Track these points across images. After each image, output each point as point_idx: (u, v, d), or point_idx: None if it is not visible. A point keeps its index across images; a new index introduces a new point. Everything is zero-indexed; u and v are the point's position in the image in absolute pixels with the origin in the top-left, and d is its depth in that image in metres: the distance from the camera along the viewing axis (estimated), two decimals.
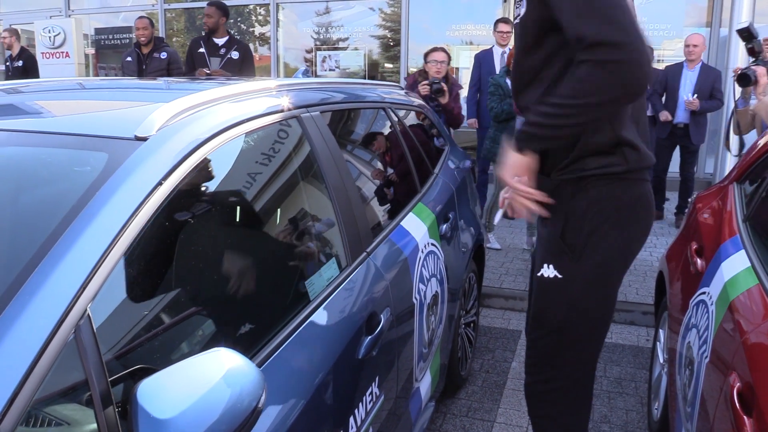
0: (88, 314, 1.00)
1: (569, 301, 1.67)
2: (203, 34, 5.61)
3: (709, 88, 5.48)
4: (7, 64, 7.80)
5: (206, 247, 1.34)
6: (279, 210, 1.63)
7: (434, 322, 2.31)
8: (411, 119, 2.97)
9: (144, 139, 1.29)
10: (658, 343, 2.87)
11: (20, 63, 7.75)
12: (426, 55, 4.53)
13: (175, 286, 1.25)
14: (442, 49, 4.56)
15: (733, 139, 3.89)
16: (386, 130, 2.50)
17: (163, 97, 1.65)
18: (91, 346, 0.98)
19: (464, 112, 4.77)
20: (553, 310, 1.69)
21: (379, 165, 2.36)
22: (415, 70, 8.57)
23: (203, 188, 1.38)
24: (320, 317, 1.50)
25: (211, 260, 1.35)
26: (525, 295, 4.12)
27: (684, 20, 7.75)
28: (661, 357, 2.77)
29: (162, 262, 1.23)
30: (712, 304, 1.83)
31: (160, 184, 1.22)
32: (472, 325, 3.24)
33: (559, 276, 1.65)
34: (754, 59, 3.22)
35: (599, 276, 1.65)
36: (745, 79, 3.13)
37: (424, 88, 4.27)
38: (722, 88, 5.53)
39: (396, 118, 2.58)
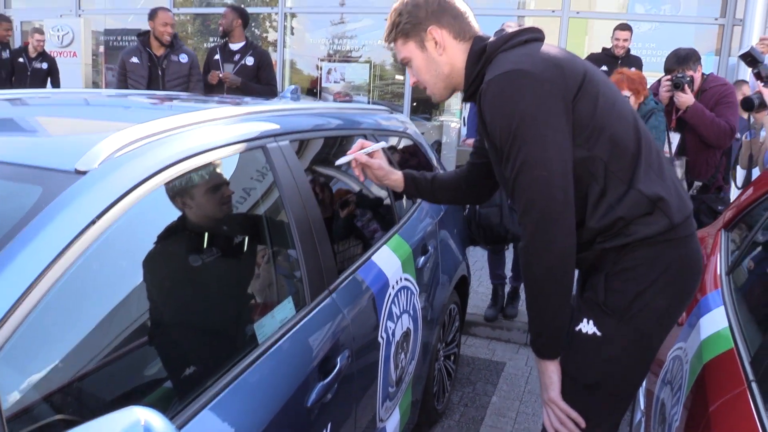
0: None
1: (606, 360, 1.57)
2: (220, 39, 5.22)
3: None
4: (20, 60, 7.20)
5: (142, 291, 1.27)
6: (231, 249, 1.56)
7: (405, 360, 2.23)
8: (398, 145, 2.91)
9: (84, 173, 1.22)
10: (640, 388, 2.78)
11: (45, 65, 7.33)
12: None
13: (102, 333, 1.17)
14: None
15: (740, 172, 3.79)
16: None
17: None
18: None
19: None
20: (587, 366, 1.59)
21: (353, 196, 2.29)
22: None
23: (144, 227, 1.31)
24: (266, 363, 1.42)
25: (145, 304, 1.28)
26: (512, 325, 4.04)
27: (693, 47, 7.65)
28: (642, 402, 2.68)
29: (89, 308, 1.17)
30: (687, 362, 1.75)
31: (92, 223, 1.16)
32: (452, 357, 3.16)
33: (599, 334, 1.56)
34: (763, 83, 3.11)
35: (641, 339, 1.58)
36: (747, 103, 3.02)
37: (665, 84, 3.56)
38: None
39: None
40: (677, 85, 3.47)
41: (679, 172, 3.35)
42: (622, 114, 1.55)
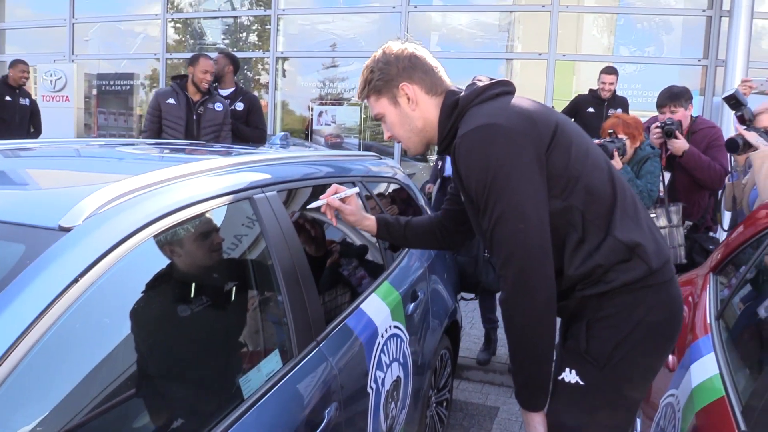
0: None
1: (590, 409, 1.55)
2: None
3: None
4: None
5: (125, 347, 1.26)
6: (217, 302, 1.55)
7: (395, 409, 2.20)
8: (386, 191, 2.93)
9: (68, 230, 1.22)
10: None
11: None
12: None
13: (85, 391, 1.15)
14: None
15: (725, 214, 3.81)
16: None
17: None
18: None
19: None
20: (570, 416, 1.57)
21: (342, 245, 2.29)
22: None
23: (129, 282, 1.30)
24: (251, 419, 1.40)
25: (129, 360, 1.26)
26: (505, 368, 4.00)
27: None
28: None
29: (72, 366, 1.15)
30: (679, 410, 1.73)
31: (75, 281, 1.15)
32: (444, 403, 3.12)
33: (581, 383, 1.55)
34: (745, 127, 3.14)
35: (624, 387, 1.56)
36: (732, 145, 3.05)
37: (655, 132, 3.50)
38: None
39: (366, 192, 2.52)
40: (669, 134, 3.46)
41: (675, 218, 3.36)
42: (596, 163, 1.57)
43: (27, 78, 6.94)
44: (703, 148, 3.52)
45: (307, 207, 1.91)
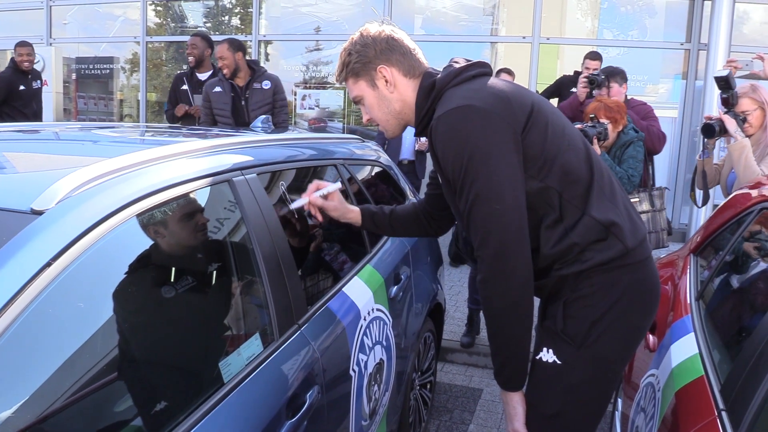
0: None
1: (567, 388, 1.57)
2: (185, 68, 5.22)
3: None
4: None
5: (101, 331, 1.23)
6: (196, 286, 1.52)
7: (378, 392, 2.20)
8: (369, 174, 2.91)
9: (40, 213, 1.19)
10: (616, 412, 2.77)
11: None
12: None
13: (60, 376, 1.13)
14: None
15: (698, 192, 3.87)
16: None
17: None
18: None
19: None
20: (548, 396, 1.59)
21: (324, 228, 2.27)
22: None
23: (103, 267, 1.27)
24: (232, 403, 1.39)
25: (105, 345, 1.24)
26: (489, 350, 4.01)
27: (660, 70, 7.85)
28: (618, 427, 2.67)
29: (46, 351, 1.13)
30: (659, 390, 1.75)
31: (48, 264, 1.12)
32: (428, 385, 3.13)
33: (558, 362, 1.56)
34: (726, 110, 3.15)
35: (601, 366, 1.57)
36: (708, 130, 3.07)
37: (582, 81, 4.00)
38: None
39: (348, 175, 2.50)
40: (592, 82, 3.86)
41: (658, 202, 3.40)
42: (572, 142, 1.58)
43: (29, 60, 6.63)
44: (639, 120, 3.80)
45: (291, 208, 1.90)
